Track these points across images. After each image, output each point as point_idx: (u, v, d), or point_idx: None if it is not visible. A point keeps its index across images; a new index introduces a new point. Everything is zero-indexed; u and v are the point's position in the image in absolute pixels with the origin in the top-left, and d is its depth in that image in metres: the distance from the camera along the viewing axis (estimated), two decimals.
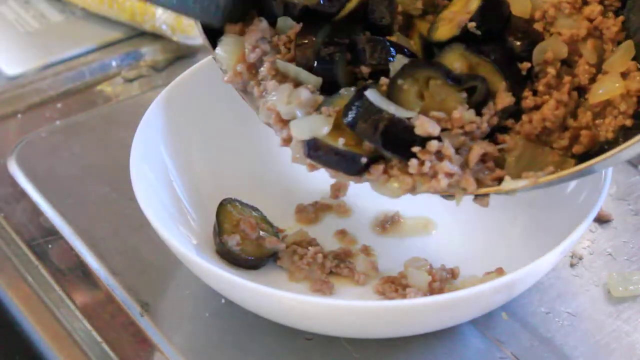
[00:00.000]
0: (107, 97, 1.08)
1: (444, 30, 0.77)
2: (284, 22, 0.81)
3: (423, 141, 0.72)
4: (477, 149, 0.72)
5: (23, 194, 0.94)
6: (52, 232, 0.90)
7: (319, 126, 0.75)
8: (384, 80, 0.76)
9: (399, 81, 0.74)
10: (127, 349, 0.79)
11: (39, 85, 1.09)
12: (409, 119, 0.72)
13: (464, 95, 0.73)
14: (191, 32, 1.12)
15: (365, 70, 0.78)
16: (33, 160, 0.98)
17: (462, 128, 0.73)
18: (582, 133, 0.73)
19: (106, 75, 1.11)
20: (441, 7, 0.80)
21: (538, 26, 0.76)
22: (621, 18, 0.75)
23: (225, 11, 0.82)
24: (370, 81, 0.77)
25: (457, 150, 0.72)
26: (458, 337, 0.80)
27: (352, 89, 0.77)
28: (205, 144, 0.91)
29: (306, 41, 0.79)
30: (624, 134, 0.72)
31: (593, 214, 0.76)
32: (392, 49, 0.78)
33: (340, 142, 0.74)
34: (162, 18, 1.12)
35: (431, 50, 0.79)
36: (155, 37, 1.15)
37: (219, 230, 0.84)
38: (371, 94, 0.73)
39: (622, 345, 0.79)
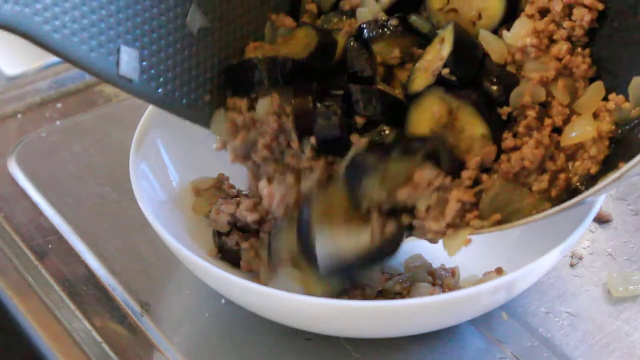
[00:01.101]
0: (107, 97, 1.08)
1: (420, 80, 0.76)
2: (261, 106, 0.78)
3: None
4: (453, 204, 0.72)
5: (23, 194, 0.94)
6: (52, 232, 0.90)
7: (294, 286, 0.76)
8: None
9: (359, 194, 0.73)
10: (127, 349, 0.79)
11: (39, 85, 1.09)
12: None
13: (424, 159, 0.73)
14: None
15: (360, 120, 0.77)
16: (33, 160, 0.98)
17: (431, 185, 0.72)
18: (559, 176, 0.73)
19: None
20: (417, 57, 0.79)
21: (511, 68, 0.76)
22: (588, 52, 0.74)
23: (212, 108, 0.80)
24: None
25: (437, 204, 0.73)
26: (458, 337, 0.80)
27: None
28: (205, 144, 0.90)
29: (301, 100, 0.77)
30: (587, 182, 0.71)
31: (593, 214, 0.76)
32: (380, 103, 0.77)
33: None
34: None
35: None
36: None
37: (218, 230, 0.84)
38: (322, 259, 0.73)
39: (622, 345, 0.79)
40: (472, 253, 0.85)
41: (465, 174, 0.73)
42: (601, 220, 0.90)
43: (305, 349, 0.79)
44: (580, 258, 0.87)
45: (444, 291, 0.80)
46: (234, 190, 0.86)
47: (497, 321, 0.81)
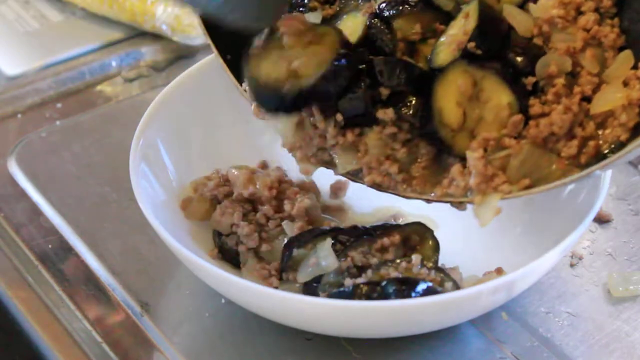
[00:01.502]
0: (107, 97, 1.08)
1: (445, 54, 0.76)
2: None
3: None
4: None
5: (23, 194, 0.94)
6: (52, 232, 0.90)
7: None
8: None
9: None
10: (127, 349, 0.79)
11: (39, 85, 1.09)
12: None
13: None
14: (191, 32, 1.12)
15: (384, 92, 0.76)
16: (33, 160, 0.98)
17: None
18: (589, 143, 0.72)
19: (106, 75, 1.11)
20: (440, 32, 0.79)
21: (538, 41, 0.76)
22: (617, 21, 0.73)
23: (227, 2, 0.75)
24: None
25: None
26: (458, 337, 0.80)
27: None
28: (205, 144, 0.91)
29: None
30: (617, 149, 0.71)
31: (593, 214, 0.76)
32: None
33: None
34: (162, 18, 1.12)
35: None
36: (155, 37, 1.15)
37: (219, 230, 0.84)
38: None
39: (622, 345, 0.79)
40: (472, 253, 0.85)
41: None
42: (601, 220, 0.90)
43: (305, 349, 0.79)
44: (580, 258, 0.87)
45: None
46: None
47: (497, 321, 0.81)
